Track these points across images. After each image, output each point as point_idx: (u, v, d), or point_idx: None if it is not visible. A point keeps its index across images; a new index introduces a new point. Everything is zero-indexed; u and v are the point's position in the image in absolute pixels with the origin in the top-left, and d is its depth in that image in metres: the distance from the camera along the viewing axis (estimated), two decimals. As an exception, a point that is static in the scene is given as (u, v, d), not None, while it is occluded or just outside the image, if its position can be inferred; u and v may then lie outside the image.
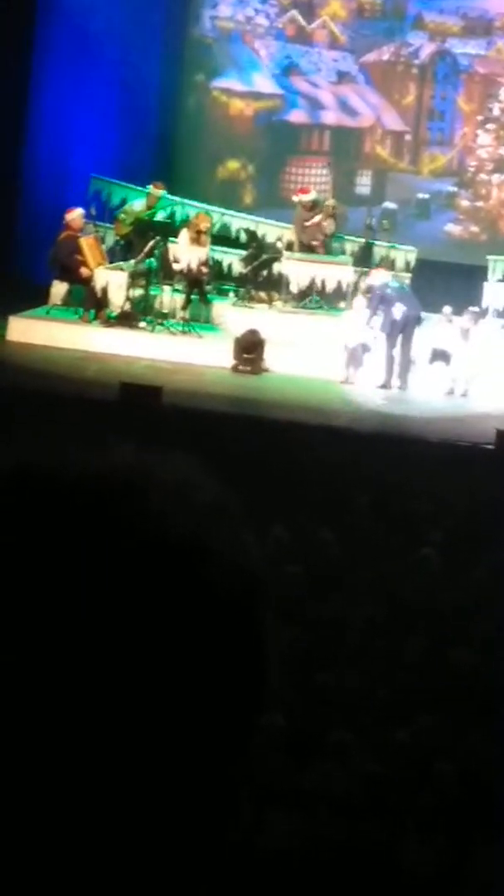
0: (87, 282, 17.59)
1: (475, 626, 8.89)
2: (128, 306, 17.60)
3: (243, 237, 19.78)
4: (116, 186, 20.20)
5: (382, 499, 11.28)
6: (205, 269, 18.00)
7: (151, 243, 17.60)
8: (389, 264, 19.11)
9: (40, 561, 0.92)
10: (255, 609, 0.97)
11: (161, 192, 18.67)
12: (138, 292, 17.72)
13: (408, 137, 23.38)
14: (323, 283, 18.41)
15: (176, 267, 17.80)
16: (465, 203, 23.11)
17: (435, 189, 23.19)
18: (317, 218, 18.92)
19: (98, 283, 17.59)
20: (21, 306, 17.59)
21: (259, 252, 18.72)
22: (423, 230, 22.53)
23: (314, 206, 19.15)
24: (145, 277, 17.71)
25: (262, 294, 18.47)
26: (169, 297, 17.97)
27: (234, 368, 16.78)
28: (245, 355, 16.81)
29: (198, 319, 17.79)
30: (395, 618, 8.92)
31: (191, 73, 23.24)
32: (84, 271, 17.55)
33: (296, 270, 18.45)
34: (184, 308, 17.86)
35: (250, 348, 16.84)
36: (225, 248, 19.31)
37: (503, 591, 9.16)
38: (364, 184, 23.28)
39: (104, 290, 17.61)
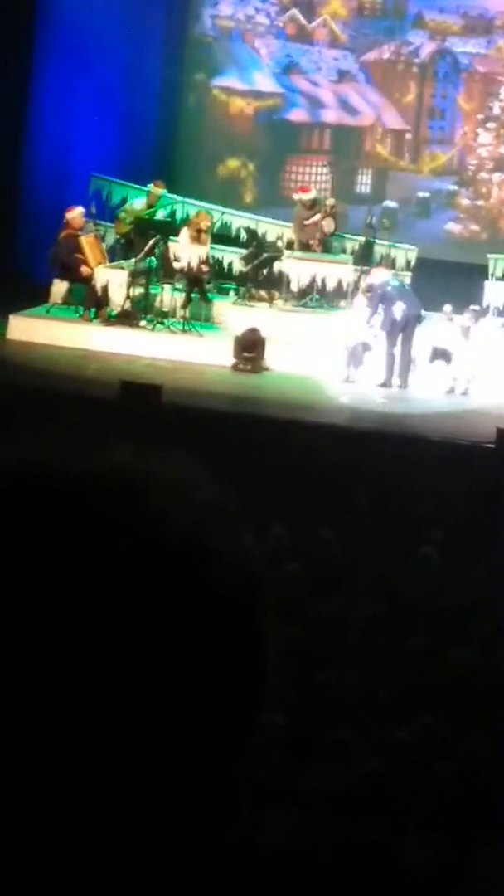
0: (88, 280, 17.59)
1: (476, 625, 8.89)
2: (128, 305, 17.60)
3: (244, 236, 19.78)
4: (117, 185, 20.20)
5: (382, 497, 11.28)
6: (205, 268, 18.00)
7: (152, 242, 17.60)
8: (390, 263, 19.11)
9: (40, 560, 0.92)
10: (255, 608, 0.97)
11: (161, 190, 18.67)
12: (139, 291, 17.72)
13: (408, 136, 23.38)
14: (323, 281, 18.42)
15: (176, 265, 17.80)
16: (465, 202, 23.11)
17: (435, 188, 23.20)
18: (316, 217, 18.91)
19: (98, 282, 17.59)
20: (21, 305, 17.59)
21: (259, 251, 18.71)
22: (423, 229, 22.54)
23: (314, 205, 19.15)
24: (146, 276, 17.71)
25: (263, 293, 18.47)
26: (169, 296, 17.97)
27: (235, 367, 16.78)
28: (245, 354, 16.80)
29: (198, 318, 17.79)
30: (396, 616, 8.91)
31: (191, 72, 23.25)
32: (84, 270, 17.55)
33: (296, 269, 18.45)
34: (184, 307, 17.86)
35: (250, 347, 16.84)
36: (225, 247, 19.31)
37: (503, 590, 9.16)
38: (364, 182, 23.30)
39: (104, 289, 17.61)
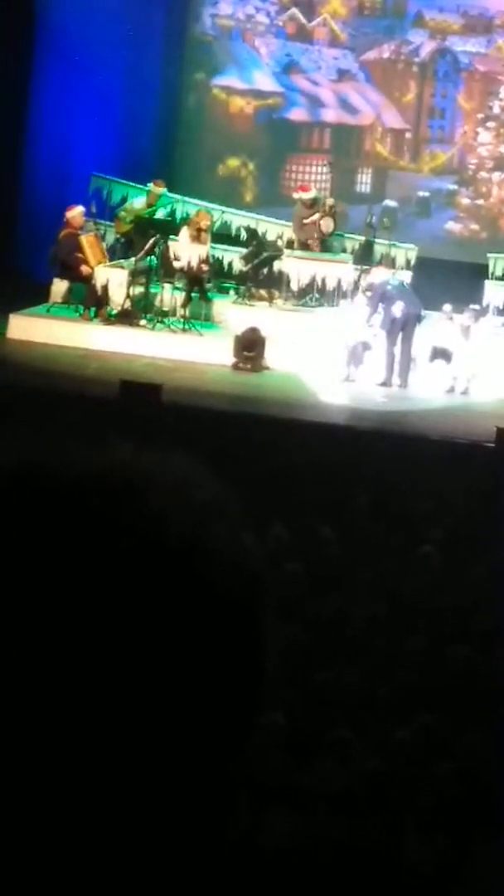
0: (88, 280, 17.59)
1: (475, 624, 8.89)
2: (128, 304, 17.60)
3: (244, 235, 19.78)
4: (117, 184, 20.20)
5: (382, 497, 11.28)
6: (205, 267, 18.00)
7: (152, 241, 17.60)
8: (390, 262, 19.11)
9: (40, 559, 0.92)
10: (255, 607, 0.97)
11: (161, 189, 18.67)
12: (139, 290, 17.72)
13: (408, 135, 23.38)
14: (323, 281, 18.43)
15: (176, 265, 17.80)
16: (465, 201, 23.11)
17: (435, 187, 23.20)
18: (315, 216, 18.91)
19: (98, 281, 17.59)
20: (21, 304, 17.59)
21: (259, 250, 18.71)
22: (423, 228, 22.54)
23: (314, 204, 19.15)
24: (146, 275, 17.72)
25: (263, 292, 18.47)
26: (169, 295, 17.97)
27: (235, 366, 16.78)
28: (245, 353, 16.81)
29: (198, 317, 17.79)
30: (396, 616, 8.91)
31: (191, 72, 23.24)
32: (84, 269, 17.55)
33: (296, 268, 18.46)
34: (184, 306, 17.86)
35: (251, 346, 16.84)
36: (225, 246, 19.32)
37: (503, 589, 9.16)
38: (364, 182, 23.30)
39: (104, 288, 17.61)
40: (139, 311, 17.60)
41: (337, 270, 18.59)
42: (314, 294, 18.30)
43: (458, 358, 16.85)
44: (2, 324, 17.09)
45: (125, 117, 21.45)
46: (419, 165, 23.32)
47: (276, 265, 18.67)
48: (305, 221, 18.95)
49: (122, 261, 18.17)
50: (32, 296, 17.86)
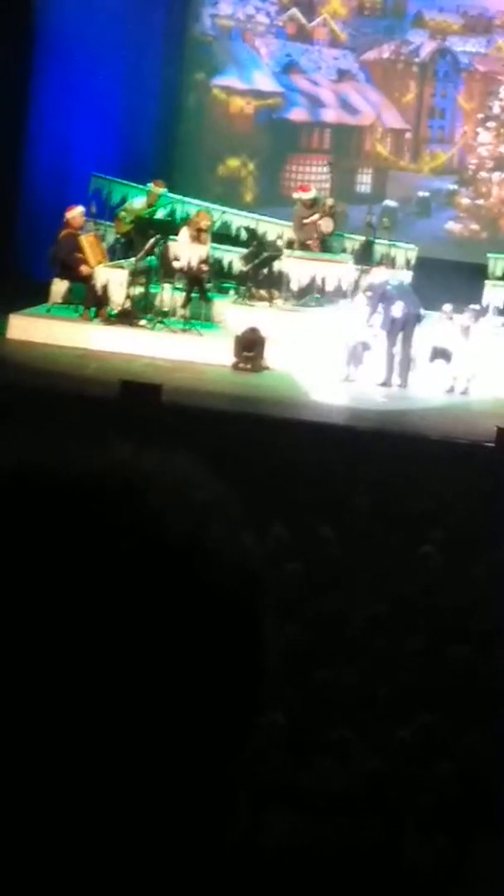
0: (88, 280, 17.59)
1: (475, 624, 8.89)
2: (128, 304, 17.60)
3: (244, 235, 19.78)
4: (117, 184, 20.21)
5: (382, 497, 11.28)
6: (205, 267, 18.00)
7: (152, 241, 17.60)
8: (390, 262, 19.11)
9: (40, 559, 0.92)
10: (255, 607, 0.97)
11: (161, 190, 18.67)
12: (139, 290, 17.72)
13: (408, 135, 23.38)
14: (323, 281, 18.42)
15: (176, 265, 17.80)
16: (465, 201, 23.11)
17: (435, 187, 23.20)
18: (314, 216, 18.91)
19: (98, 281, 17.59)
20: (21, 304, 17.59)
21: (259, 250, 18.71)
22: (423, 228, 22.54)
23: (314, 204, 19.16)
24: (146, 275, 17.72)
25: (263, 292, 18.47)
26: (169, 296, 17.97)
27: (235, 366, 16.78)
28: (245, 353, 16.81)
29: (198, 317, 17.79)
30: (396, 616, 8.91)
31: (191, 72, 23.24)
32: (84, 269, 17.54)
33: (296, 268, 18.46)
34: (184, 306, 17.86)
35: (250, 346, 16.84)
36: (225, 246, 19.32)
37: (503, 588, 9.16)
38: (364, 182, 23.30)
39: (104, 288, 17.61)
40: (139, 312, 17.60)
41: (337, 270, 18.58)
42: (315, 294, 18.29)
43: (457, 358, 16.85)
44: (1, 324, 17.09)
45: (125, 117, 21.45)
46: (419, 165, 23.32)
47: (276, 265, 18.66)
48: (305, 221, 18.95)
49: (122, 261, 18.17)
50: (32, 296, 17.86)
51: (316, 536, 10.24)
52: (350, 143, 23.42)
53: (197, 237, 18.05)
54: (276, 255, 18.76)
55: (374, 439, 13.29)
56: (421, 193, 23.10)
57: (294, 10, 23.16)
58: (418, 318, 16.86)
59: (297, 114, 23.45)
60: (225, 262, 19.12)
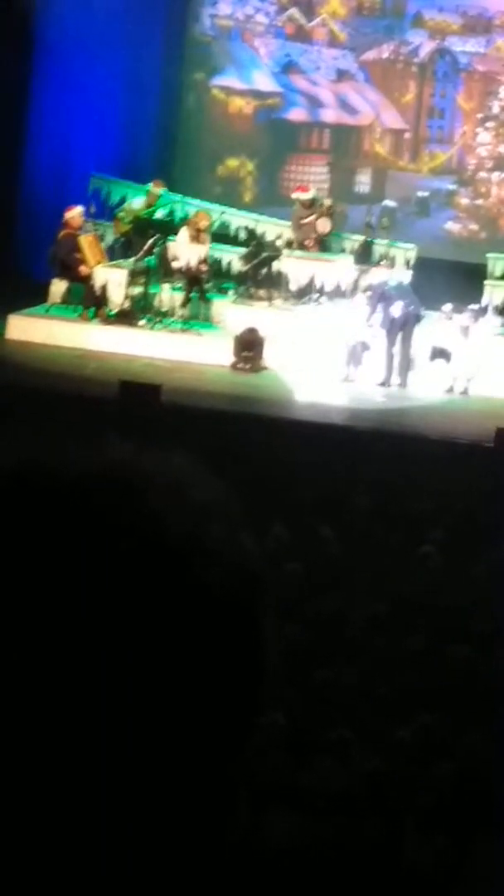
0: (87, 280, 17.59)
1: (475, 624, 8.89)
2: (127, 304, 17.60)
3: (243, 235, 19.78)
4: (116, 184, 20.21)
5: (382, 497, 11.28)
6: (204, 268, 18.00)
7: (151, 241, 17.60)
8: (389, 262, 19.11)
9: (40, 559, 0.92)
10: (255, 607, 0.97)
11: (161, 190, 18.68)
12: (138, 290, 17.72)
13: (407, 135, 23.38)
14: (323, 281, 18.42)
15: (175, 265, 17.80)
16: (464, 201, 23.11)
17: (434, 187, 23.19)
18: (312, 217, 18.91)
19: (97, 282, 17.59)
20: (20, 304, 17.59)
21: (259, 250, 18.70)
22: (422, 228, 22.54)
23: (312, 205, 19.15)
24: (145, 275, 17.72)
25: (262, 292, 18.46)
26: (168, 296, 17.96)
27: (234, 366, 16.78)
28: (244, 353, 16.81)
29: (197, 317, 17.79)
30: (396, 615, 8.92)
31: (190, 72, 23.24)
32: (83, 269, 17.55)
33: (295, 268, 18.45)
34: (183, 306, 17.85)
35: (250, 346, 16.84)
36: (224, 246, 19.31)
37: (503, 588, 9.16)
38: (364, 182, 23.29)
39: (104, 289, 17.61)
40: (138, 312, 17.60)
41: (336, 270, 18.58)
42: (315, 294, 18.29)
43: (457, 358, 16.85)
44: (1, 324, 17.09)
45: (125, 117, 21.44)
46: (418, 165, 23.31)
47: (276, 265, 18.65)
48: (303, 222, 18.95)
49: (121, 261, 18.17)
50: (31, 296, 17.86)
51: (316, 536, 10.25)
52: (349, 143, 23.42)
53: (196, 237, 18.05)
54: (276, 255, 18.75)
55: (374, 439, 13.29)
56: (420, 193, 23.09)
57: (293, 11, 23.17)
58: (418, 318, 16.86)
59: (297, 114, 23.45)
60: (224, 262, 19.11)
